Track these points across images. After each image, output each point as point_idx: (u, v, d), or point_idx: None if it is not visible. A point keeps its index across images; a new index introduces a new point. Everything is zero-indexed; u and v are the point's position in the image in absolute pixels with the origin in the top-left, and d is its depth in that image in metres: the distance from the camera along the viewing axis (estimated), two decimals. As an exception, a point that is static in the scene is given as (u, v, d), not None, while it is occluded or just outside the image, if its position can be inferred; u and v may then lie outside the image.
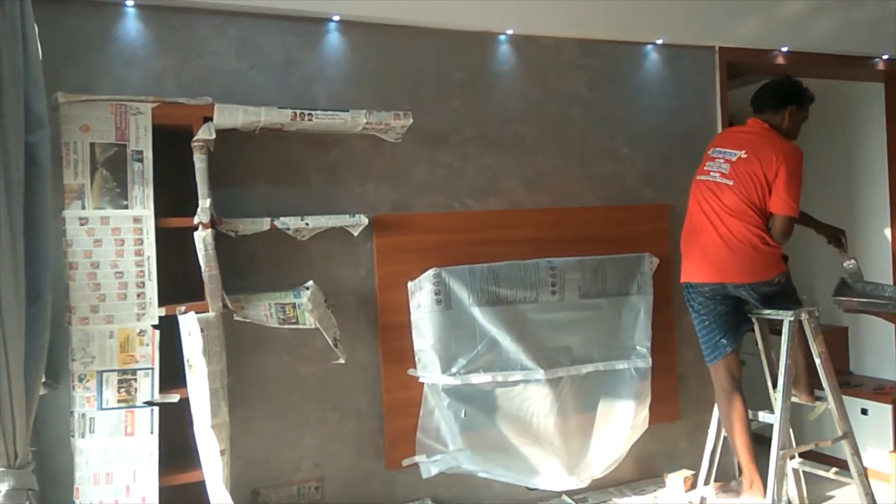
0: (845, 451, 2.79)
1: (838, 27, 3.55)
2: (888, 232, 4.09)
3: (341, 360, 2.57)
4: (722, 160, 2.67)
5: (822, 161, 4.39)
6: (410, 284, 2.77)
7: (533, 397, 2.82)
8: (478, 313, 2.76)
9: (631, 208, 3.20)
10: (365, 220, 2.61)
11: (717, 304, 2.69)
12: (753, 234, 2.58)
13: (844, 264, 2.82)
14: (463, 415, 2.70)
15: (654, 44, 3.30)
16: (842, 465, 2.87)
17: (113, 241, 2.22)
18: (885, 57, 3.73)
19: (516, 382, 2.79)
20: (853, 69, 3.72)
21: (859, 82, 4.12)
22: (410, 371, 2.78)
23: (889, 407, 3.69)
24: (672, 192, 3.26)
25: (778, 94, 2.72)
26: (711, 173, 2.68)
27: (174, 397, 2.27)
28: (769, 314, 2.77)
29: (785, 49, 3.48)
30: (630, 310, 3.02)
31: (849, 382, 3.98)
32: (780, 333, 2.73)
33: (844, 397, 2.94)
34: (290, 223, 2.49)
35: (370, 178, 2.79)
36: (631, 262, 3.05)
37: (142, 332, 2.24)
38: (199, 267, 2.28)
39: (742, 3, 3.35)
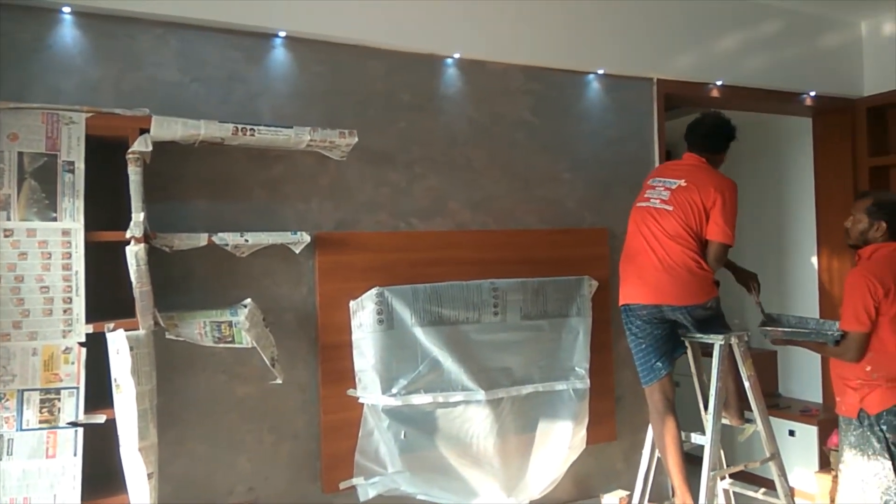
0: (773, 472, 2.89)
1: (769, 64, 3.74)
2: (814, 261, 4.29)
3: (279, 381, 2.52)
4: (662, 188, 2.77)
5: (755, 191, 4.59)
6: (352, 303, 2.74)
7: (473, 418, 2.81)
8: (420, 333, 2.75)
9: (572, 232, 3.26)
10: (307, 238, 2.58)
11: (653, 328, 2.75)
12: (690, 258, 2.67)
13: (755, 303, 2.96)
14: (403, 436, 2.68)
15: (596, 73, 3.39)
16: (770, 486, 2.95)
17: (39, 254, 2.13)
18: (812, 94, 3.94)
19: (457, 403, 2.79)
20: (783, 104, 3.91)
21: (790, 116, 4.35)
22: (350, 391, 2.74)
23: (815, 429, 3.84)
24: (611, 216, 3.34)
25: (724, 137, 2.85)
26: (652, 199, 2.77)
27: (100, 418, 2.17)
28: (701, 338, 2.86)
29: (720, 82, 3.63)
30: (570, 331, 3.06)
31: (777, 405, 4.13)
32: (711, 356, 2.82)
33: (773, 419, 3.06)
34: (228, 239, 2.44)
35: (314, 195, 2.77)
36: (571, 284, 3.10)
37: (67, 350, 2.15)
38: (131, 283, 2.21)
39: (679, 38, 3.50)
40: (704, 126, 2.87)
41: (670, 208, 2.71)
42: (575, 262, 3.21)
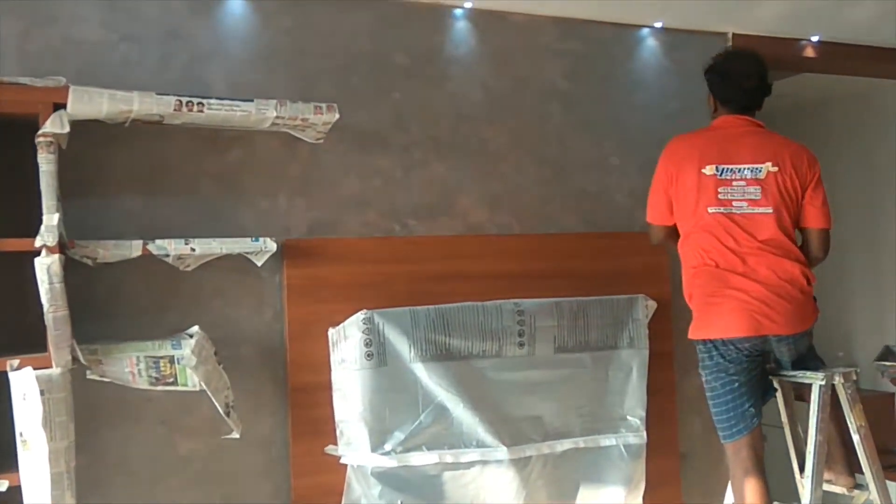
0: (890, 554, 2.84)
1: (883, 12, 3.68)
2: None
3: (235, 434, 2.51)
4: (743, 181, 2.72)
5: (845, 179, 4.56)
6: (332, 332, 2.73)
7: (492, 484, 2.79)
8: (421, 371, 2.74)
9: (621, 236, 3.24)
10: (273, 246, 2.58)
11: (751, 365, 2.74)
12: (799, 271, 2.68)
13: None
14: (399, 508, 2.66)
15: (652, 27, 3.37)
16: (886, 572, 2.91)
17: (-80, 268, 2.12)
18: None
19: (471, 464, 2.76)
20: (897, 66, 3.88)
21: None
22: (329, 448, 2.72)
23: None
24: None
25: (767, 80, 2.84)
26: (736, 203, 2.71)
27: (2, 484, 2.17)
28: (797, 377, 2.83)
29: (815, 38, 3.60)
30: (619, 368, 3.04)
31: None
32: (806, 401, 2.79)
33: (891, 484, 3.00)
34: (170, 248, 2.43)
35: (281, 189, 2.76)
36: (621, 305, 3.08)
37: (-44, 395, 2.13)
38: (42, 306, 2.20)
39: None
40: (755, 71, 2.84)
41: (769, 210, 2.69)
42: (626, 276, 3.19)
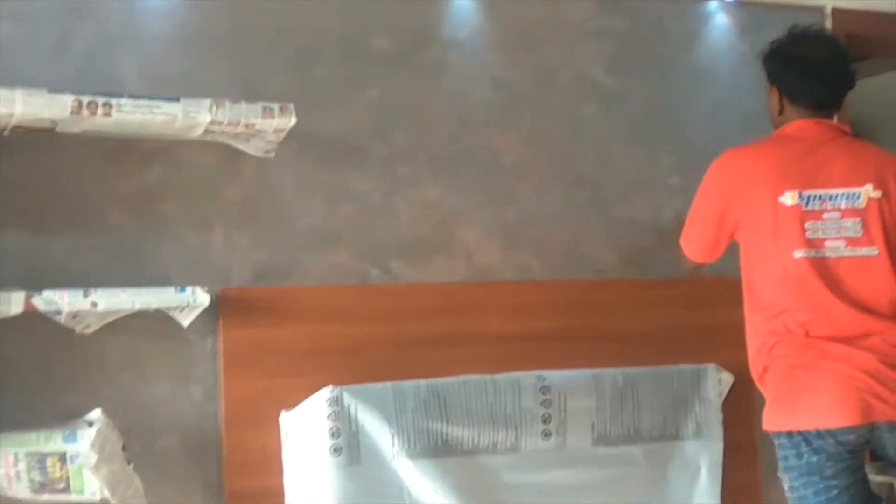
0: None
1: None
2: None
3: (151, 560, 2.48)
4: (837, 212, 2.70)
5: None
6: (286, 417, 2.72)
7: None
8: (409, 472, 2.71)
9: (683, 283, 3.22)
10: (205, 299, 2.57)
11: (855, 464, 2.70)
12: None
13: None
14: None
15: (723, 0, 3.38)
16: None
17: None
18: None
19: None
20: None
21: None
22: (282, 580, 2.69)
23: None
24: (756, 254, 3.32)
25: (852, 73, 2.82)
26: (829, 244, 2.69)
27: None
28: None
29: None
30: (683, 466, 3.03)
31: None
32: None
33: None
34: (62, 303, 2.41)
35: (218, 220, 2.76)
36: (684, 379, 3.07)
37: None
38: None
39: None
40: (835, 53, 2.82)
41: (875, 251, 2.66)
42: (690, 339, 3.19)
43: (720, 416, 3.09)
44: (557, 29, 3.21)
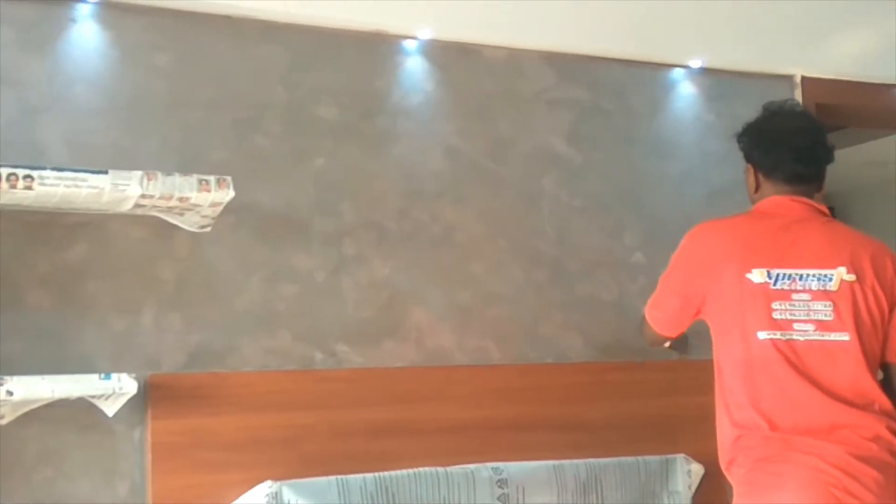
0: None
1: None
2: None
3: None
4: (807, 294, 2.71)
5: None
6: (220, 516, 2.66)
7: None
8: (355, 576, 2.67)
9: (650, 367, 3.23)
10: (132, 386, 2.51)
11: None
12: (886, 427, 2.63)
13: None
14: None
15: (688, 67, 3.43)
16: None
17: None
18: None
19: None
20: None
21: None
22: None
23: None
24: (726, 335, 3.32)
25: (829, 147, 2.86)
26: (797, 326, 2.69)
27: None
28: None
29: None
30: (651, 567, 3.00)
31: None
32: None
33: None
34: (-27, 391, 2.36)
35: (147, 300, 2.73)
36: (652, 471, 3.06)
37: None
38: None
39: (846, 3, 3.52)
40: (810, 126, 2.87)
41: (846, 337, 2.66)
42: (659, 427, 3.18)
43: (689, 511, 3.07)
44: (514, 97, 3.22)
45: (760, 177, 2.84)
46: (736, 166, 3.41)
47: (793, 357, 2.63)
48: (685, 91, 3.46)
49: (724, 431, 2.72)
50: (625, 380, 3.20)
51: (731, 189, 3.44)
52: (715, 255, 2.73)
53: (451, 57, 3.15)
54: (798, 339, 2.64)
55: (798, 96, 3.56)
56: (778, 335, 2.64)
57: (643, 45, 3.34)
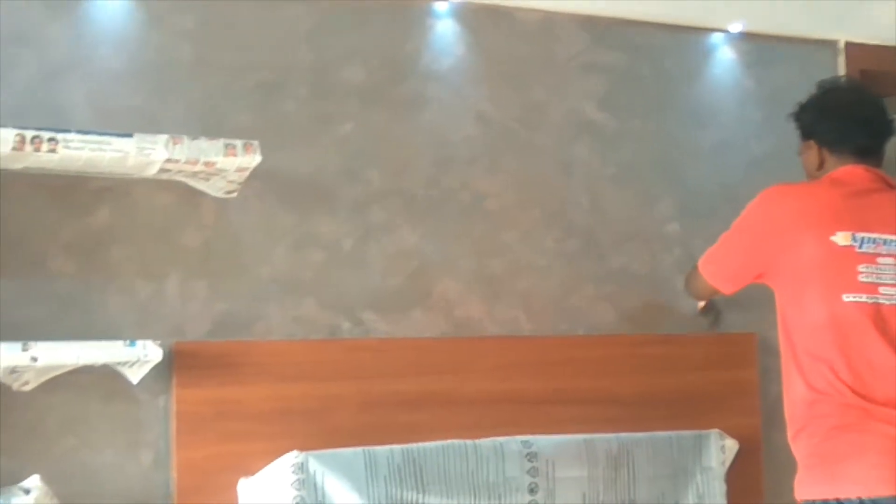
0: None
1: None
2: None
3: None
4: (892, 258, 2.69)
5: None
6: (244, 486, 2.70)
7: None
8: (381, 548, 2.69)
9: (685, 340, 3.25)
10: (157, 353, 2.54)
11: None
12: None
13: None
14: None
15: (727, 32, 3.42)
16: None
17: None
18: None
19: None
20: None
21: None
22: None
23: None
24: (763, 308, 3.29)
25: (890, 119, 2.87)
26: (882, 289, 2.69)
27: None
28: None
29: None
30: (684, 542, 3.02)
31: None
32: None
33: None
34: (-1, 357, 2.39)
35: (173, 267, 2.75)
36: (685, 446, 3.07)
37: None
38: None
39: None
40: (871, 100, 2.88)
41: None
42: (692, 402, 3.19)
43: (724, 488, 3.09)
44: (547, 62, 3.22)
45: (825, 152, 2.85)
46: (777, 135, 3.42)
47: (878, 321, 2.65)
48: (724, 56, 3.44)
49: (797, 397, 2.72)
50: (658, 353, 3.21)
51: (770, 158, 3.44)
52: (793, 217, 2.75)
53: (482, 20, 3.14)
54: (884, 303, 2.66)
55: (841, 63, 3.54)
56: (864, 297, 2.65)
57: (680, 8, 3.32)
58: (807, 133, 2.88)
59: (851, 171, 2.81)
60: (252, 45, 2.89)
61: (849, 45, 3.56)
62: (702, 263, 2.92)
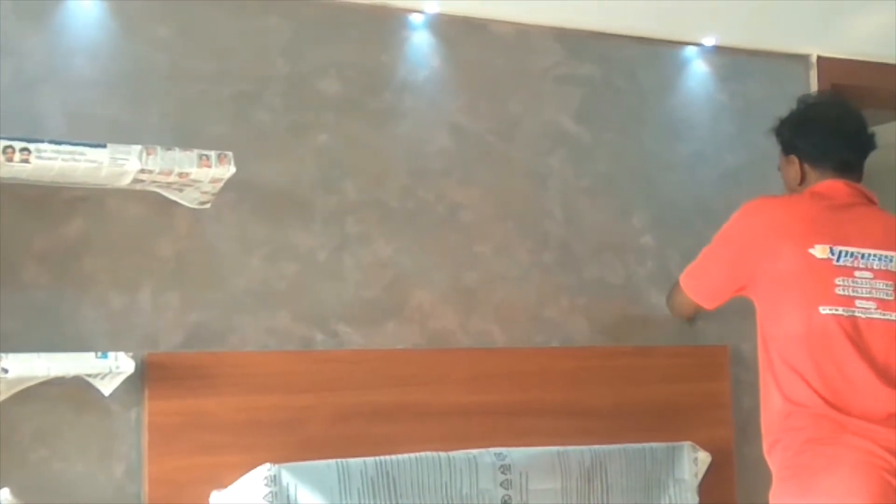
0: None
1: None
2: None
3: None
4: (869, 272, 2.71)
5: None
6: (216, 499, 2.69)
7: None
8: (353, 561, 2.69)
9: (657, 352, 3.26)
10: (129, 365, 2.53)
11: None
12: None
13: None
14: None
15: (700, 45, 3.44)
16: None
17: None
18: None
19: None
20: None
21: None
22: None
23: None
24: (736, 320, 3.31)
25: (871, 134, 2.90)
26: (858, 302, 2.70)
27: None
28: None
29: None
30: (654, 555, 3.02)
31: None
32: None
33: None
34: (-31, 369, 2.37)
35: (145, 278, 2.75)
36: (657, 458, 3.08)
37: None
38: None
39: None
40: (852, 114, 2.92)
41: None
42: (665, 413, 3.20)
43: (697, 500, 3.11)
44: (522, 74, 3.24)
45: (807, 167, 2.89)
46: (750, 148, 3.46)
47: (853, 334, 2.66)
48: (697, 70, 3.47)
49: (773, 408, 2.74)
50: (631, 365, 3.22)
51: (744, 171, 3.47)
52: (773, 229, 2.78)
53: (457, 32, 3.16)
54: (860, 317, 2.68)
55: (813, 77, 3.58)
56: (840, 310, 2.67)
57: (655, 21, 3.34)
58: (788, 148, 2.92)
59: (832, 186, 2.83)
60: (228, 56, 2.89)
61: (821, 59, 3.59)
62: (683, 279, 2.95)
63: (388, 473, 2.77)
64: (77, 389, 2.59)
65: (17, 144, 2.39)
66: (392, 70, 3.09)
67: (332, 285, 2.95)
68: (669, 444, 3.13)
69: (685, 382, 3.26)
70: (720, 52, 3.49)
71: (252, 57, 2.92)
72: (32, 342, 2.57)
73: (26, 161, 2.40)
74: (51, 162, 2.43)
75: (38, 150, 2.41)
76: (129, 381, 2.59)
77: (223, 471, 2.70)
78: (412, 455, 2.83)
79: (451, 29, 3.15)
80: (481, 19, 3.18)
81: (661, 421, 3.20)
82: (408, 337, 3.02)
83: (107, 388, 2.58)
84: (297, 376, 2.85)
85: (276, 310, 2.88)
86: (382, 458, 2.79)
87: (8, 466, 2.55)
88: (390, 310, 3.01)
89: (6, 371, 2.40)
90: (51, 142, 2.44)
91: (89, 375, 2.54)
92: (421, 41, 3.13)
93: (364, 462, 2.77)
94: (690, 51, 3.47)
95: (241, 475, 2.68)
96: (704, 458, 3.16)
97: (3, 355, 2.41)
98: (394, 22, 3.10)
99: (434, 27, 3.14)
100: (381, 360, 2.96)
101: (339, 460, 2.75)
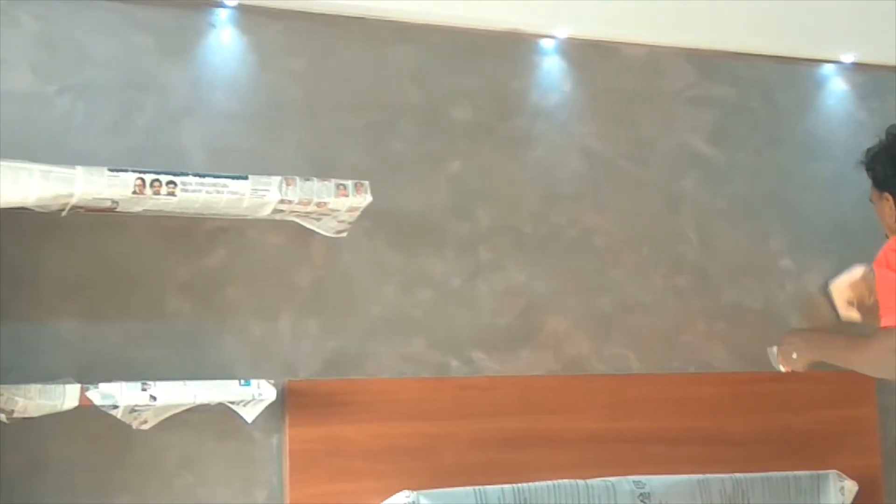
0: None
1: None
2: None
3: None
4: None
5: None
6: (356, 524, 2.72)
7: None
8: (493, 589, 2.71)
9: (797, 378, 3.11)
10: (271, 392, 2.58)
11: None
12: None
13: None
14: None
15: (838, 63, 3.42)
16: None
17: None
18: None
19: None
20: None
21: None
22: None
23: None
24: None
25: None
26: None
27: None
28: None
29: None
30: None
31: None
32: None
33: None
34: (119, 396, 2.43)
35: (285, 306, 2.80)
36: (802, 487, 3.04)
37: None
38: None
39: None
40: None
41: None
42: (809, 441, 3.16)
43: (844, 530, 3.05)
44: (654, 96, 3.25)
45: None
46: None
47: None
48: (836, 88, 3.44)
49: None
50: (772, 391, 3.18)
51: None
52: None
53: (588, 56, 3.19)
54: None
55: (955, 91, 3.50)
56: None
57: (789, 40, 3.33)
58: (881, 185, 2.76)
59: None
60: (361, 86, 2.95)
61: (971, 74, 3.51)
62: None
63: (525, 500, 2.78)
64: (220, 417, 2.65)
65: (164, 178, 2.47)
66: (524, 96, 3.12)
67: (467, 312, 2.98)
68: (814, 472, 3.08)
69: (829, 409, 3.21)
70: (859, 69, 3.45)
71: (385, 86, 2.98)
72: (176, 370, 2.66)
73: (172, 194, 2.47)
74: (195, 194, 2.50)
75: (184, 183, 2.49)
76: (270, 408, 2.64)
77: (362, 497, 2.74)
78: (549, 482, 2.83)
79: (581, 53, 3.18)
80: (612, 42, 3.21)
81: (804, 448, 3.15)
82: (543, 363, 3.04)
83: (249, 415, 2.63)
84: (433, 403, 2.88)
85: (411, 337, 2.92)
86: (520, 485, 2.80)
87: (155, 492, 2.63)
88: (525, 336, 3.03)
89: (154, 398, 2.48)
90: (195, 174, 2.52)
91: (232, 403, 2.59)
92: (552, 66, 3.16)
93: (502, 489, 2.78)
94: (828, 68, 3.44)
95: (380, 501, 2.72)
96: (851, 486, 3.11)
97: (151, 383, 2.50)
98: (524, 47, 3.14)
99: (565, 52, 3.17)
100: (517, 386, 2.97)
101: (476, 487, 2.77)
